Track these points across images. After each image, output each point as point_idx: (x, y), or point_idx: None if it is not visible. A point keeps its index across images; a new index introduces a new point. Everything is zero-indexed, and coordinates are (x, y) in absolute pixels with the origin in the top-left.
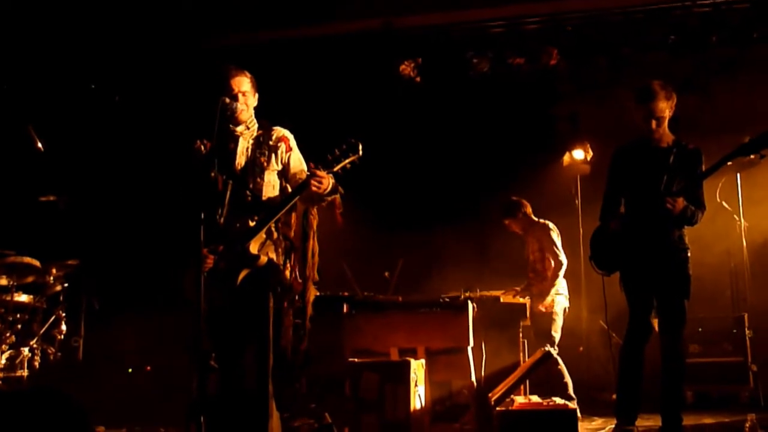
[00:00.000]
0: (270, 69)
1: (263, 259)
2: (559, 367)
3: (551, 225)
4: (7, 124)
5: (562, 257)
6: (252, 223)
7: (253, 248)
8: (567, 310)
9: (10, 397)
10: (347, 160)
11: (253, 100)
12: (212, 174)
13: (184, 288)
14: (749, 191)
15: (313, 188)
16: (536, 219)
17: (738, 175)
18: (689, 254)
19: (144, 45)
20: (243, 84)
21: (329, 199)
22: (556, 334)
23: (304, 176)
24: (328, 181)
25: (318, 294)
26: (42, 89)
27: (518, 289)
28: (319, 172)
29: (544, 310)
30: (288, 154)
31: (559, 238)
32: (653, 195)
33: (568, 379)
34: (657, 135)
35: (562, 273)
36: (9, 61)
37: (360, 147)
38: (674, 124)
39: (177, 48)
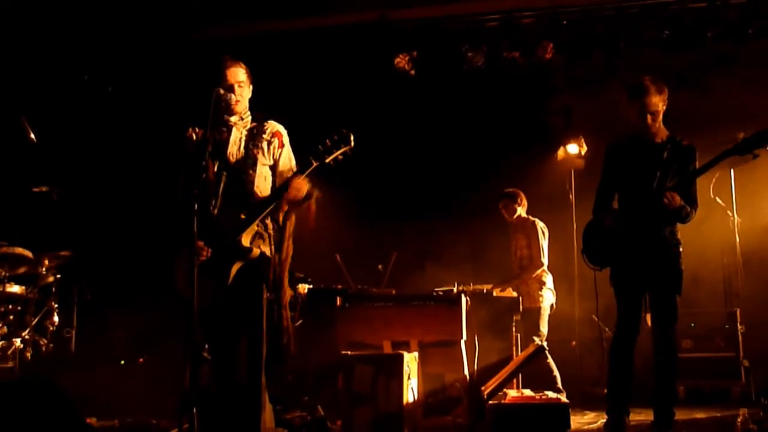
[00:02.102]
0: (264, 60)
1: (255, 251)
2: (548, 361)
3: (541, 224)
4: (0, 114)
5: (544, 259)
6: (243, 216)
7: (245, 241)
8: (554, 305)
9: (1, 387)
10: (339, 152)
11: (248, 91)
12: (204, 162)
13: (176, 280)
14: (742, 187)
15: (292, 193)
16: (527, 216)
17: (731, 170)
18: (681, 249)
19: (137, 35)
20: (239, 75)
21: (305, 204)
22: (544, 329)
23: (290, 175)
24: (304, 189)
25: (293, 295)
26: (35, 80)
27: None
28: (296, 180)
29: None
30: (280, 150)
31: (546, 239)
32: (646, 191)
33: (556, 372)
34: (653, 130)
35: (536, 272)
36: (2, 52)
37: (352, 138)
38: (668, 119)
39: (170, 39)
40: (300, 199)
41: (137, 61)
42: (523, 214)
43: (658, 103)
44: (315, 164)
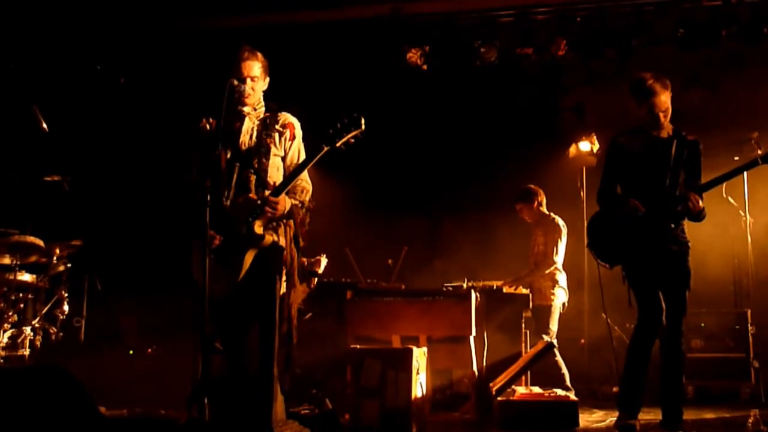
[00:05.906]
0: (277, 52)
1: (268, 238)
2: (556, 359)
3: (561, 222)
4: (12, 103)
5: (557, 258)
6: (257, 203)
7: (258, 228)
8: (566, 304)
9: (16, 374)
10: (349, 135)
11: (262, 84)
12: (216, 152)
13: (192, 269)
14: (755, 187)
15: (268, 214)
16: (548, 213)
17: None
18: (689, 246)
19: (151, 25)
20: (253, 68)
21: (297, 219)
22: (554, 327)
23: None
24: (283, 205)
25: (306, 292)
26: (47, 69)
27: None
28: (272, 198)
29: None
30: (291, 142)
31: (565, 238)
32: (656, 187)
33: (564, 370)
34: (663, 126)
35: (547, 270)
36: (15, 40)
37: (362, 121)
38: (681, 117)
39: (185, 29)
40: (278, 217)
41: (151, 50)
42: (544, 210)
43: (667, 100)
44: (326, 149)
